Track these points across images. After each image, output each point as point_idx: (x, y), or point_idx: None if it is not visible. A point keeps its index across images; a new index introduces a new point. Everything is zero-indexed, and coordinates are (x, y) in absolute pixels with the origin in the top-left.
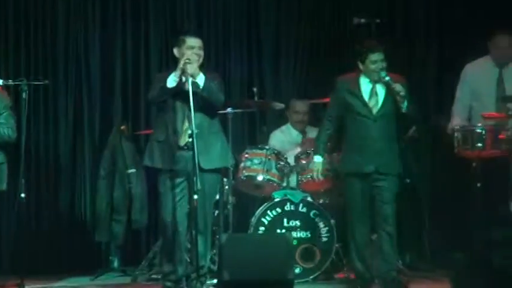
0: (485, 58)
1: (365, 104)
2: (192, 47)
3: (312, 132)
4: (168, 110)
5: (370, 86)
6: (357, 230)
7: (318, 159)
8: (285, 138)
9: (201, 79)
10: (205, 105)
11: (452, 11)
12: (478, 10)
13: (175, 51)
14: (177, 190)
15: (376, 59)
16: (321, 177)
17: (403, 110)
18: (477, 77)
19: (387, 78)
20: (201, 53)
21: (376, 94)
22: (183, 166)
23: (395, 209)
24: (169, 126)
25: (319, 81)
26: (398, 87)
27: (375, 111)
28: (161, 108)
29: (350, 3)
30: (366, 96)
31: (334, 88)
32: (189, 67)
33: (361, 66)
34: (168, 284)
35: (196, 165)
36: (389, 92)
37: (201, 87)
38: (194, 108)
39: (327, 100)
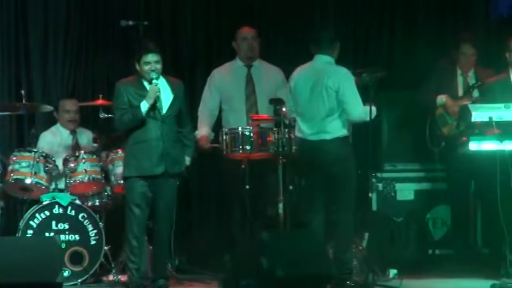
0: (233, 61)
1: (153, 105)
2: None
3: (83, 133)
4: None
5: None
6: (134, 233)
7: None
8: (54, 139)
9: None
10: None
11: (218, 12)
12: (227, 10)
13: None
14: None
15: (149, 60)
16: None
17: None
18: (226, 80)
19: (155, 81)
20: None
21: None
22: None
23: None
24: None
25: (87, 84)
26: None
27: (163, 112)
28: None
29: (118, 5)
30: None
31: (117, 93)
32: None
33: (137, 67)
34: None
35: None
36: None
37: None
38: None
39: (95, 103)
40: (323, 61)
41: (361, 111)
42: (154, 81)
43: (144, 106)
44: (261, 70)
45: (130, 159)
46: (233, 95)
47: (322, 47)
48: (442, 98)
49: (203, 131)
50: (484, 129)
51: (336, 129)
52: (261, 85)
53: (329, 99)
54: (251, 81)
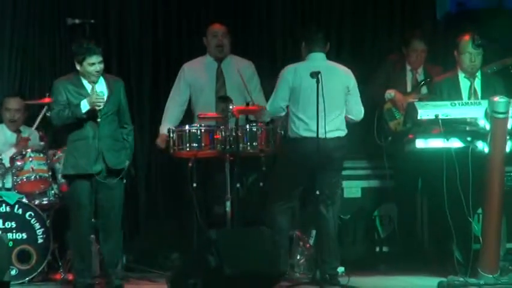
0: (203, 56)
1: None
2: None
3: (27, 132)
4: None
5: (90, 86)
6: (81, 231)
7: None
8: None
9: None
10: None
11: (165, 11)
12: (174, 9)
13: None
14: None
15: (94, 62)
16: None
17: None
18: (196, 74)
19: (98, 91)
20: None
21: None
22: None
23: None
24: None
25: (34, 82)
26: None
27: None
28: None
29: (65, 3)
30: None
31: (55, 90)
32: None
33: (79, 67)
34: None
35: None
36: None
37: None
38: None
39: (42, 101)
40: (322, 59)
41: (363, 111)
42: (98, 91)
43: (85, 107)
44: (231, 64)
45: (68, 157)
46: (203, 89)
47: (318, 45)
48: (390, 93)
49: (164, 129)
50: (430, 127)
51: (344, 126)
52: (231, 79)
53: (343, 97)
54: (221, 75)
